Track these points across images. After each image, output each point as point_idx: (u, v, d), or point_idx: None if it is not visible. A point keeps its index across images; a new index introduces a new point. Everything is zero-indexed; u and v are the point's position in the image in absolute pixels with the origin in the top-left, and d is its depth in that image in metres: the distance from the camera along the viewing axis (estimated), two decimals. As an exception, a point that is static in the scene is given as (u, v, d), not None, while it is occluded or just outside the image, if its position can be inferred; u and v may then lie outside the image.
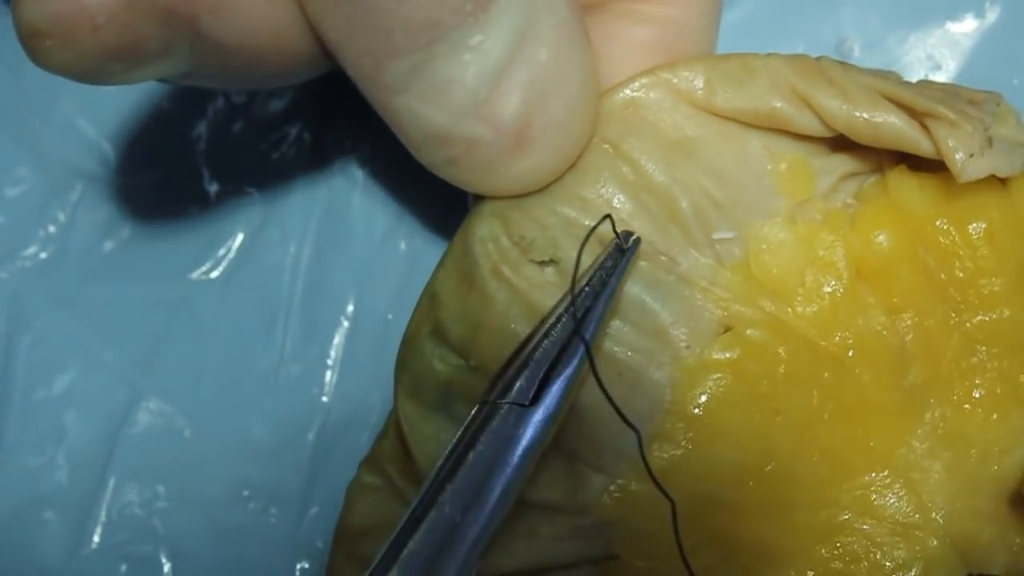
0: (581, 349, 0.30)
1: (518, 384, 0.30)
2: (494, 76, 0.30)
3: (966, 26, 0.44)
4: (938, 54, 0.44)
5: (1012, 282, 0.34)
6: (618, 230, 0.32)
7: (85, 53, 0.27)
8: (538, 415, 0.30)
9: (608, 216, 0.32)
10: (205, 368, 0.44)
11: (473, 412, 0.31)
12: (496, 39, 0.30)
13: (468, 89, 0.30)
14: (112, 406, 0.44)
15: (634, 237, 0.32)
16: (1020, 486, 0.34)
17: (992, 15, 0.44)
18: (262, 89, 0.45)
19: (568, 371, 0.30)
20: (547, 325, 0.31)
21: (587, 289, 0.31)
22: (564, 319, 0.31)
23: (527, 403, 0.30)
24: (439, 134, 0.31)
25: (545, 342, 0.31)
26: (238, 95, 0.45)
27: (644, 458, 0.30)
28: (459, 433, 0.31)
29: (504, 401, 0.30)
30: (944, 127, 0.32)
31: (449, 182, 0.33)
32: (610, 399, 0.30)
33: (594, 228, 0.32)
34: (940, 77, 0.44)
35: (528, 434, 0.30)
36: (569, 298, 0.31)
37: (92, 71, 0.28)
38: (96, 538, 0.43)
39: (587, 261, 0.32)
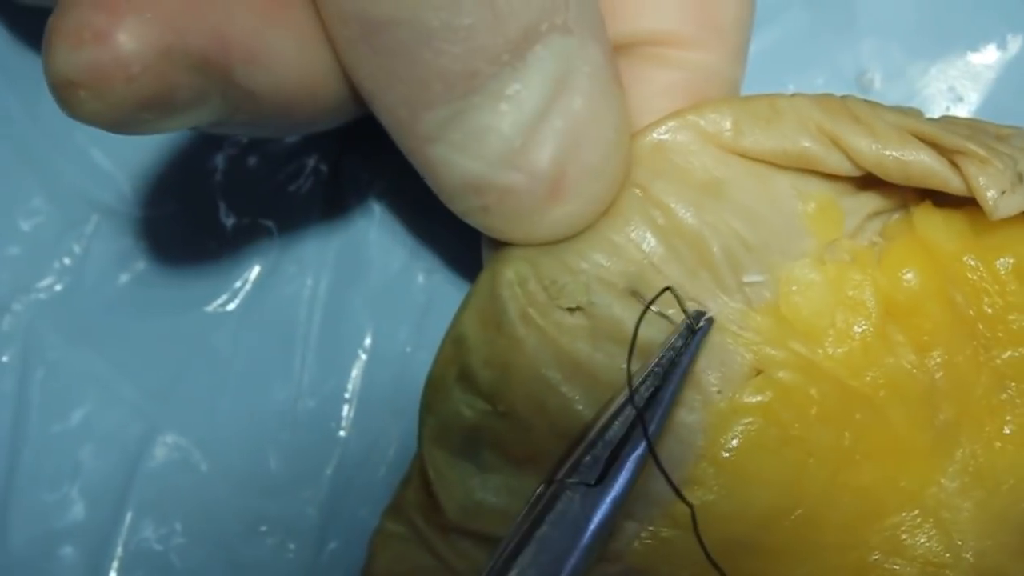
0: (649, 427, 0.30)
1: (584, 463, 0.30)
2: (530, 125, 0.30)
3: (988, 57, 0.44)
4: (960, 86, 0.44)
5: (1041, 317, 0.34)
6: (655, 282, 0.32)
7: (118, 103, 0.27)
8: (606, 496, 0.30)
9: (668, 288, 0.32)
10: (222, 401, 0.44)
11: (539, 491, 0.31)
12: (532, 88, 0.30)
13: (504, 138, 0.30)
14: (128, 440, 0.44)
15: (707, 316, 0.32)
16: (1051, 523, 0.34)
17: (1014, 46, 0.44)
18: (292, 136, 0.44)
19: (637, 452, 0.30)
20: (616, 404, 0.31)
21: (657, 369, 0.31)
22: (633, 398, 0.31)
23: (593, 483, 0.30)
24: (473, 183, 0.31)
25: (615, 422, 0.30)
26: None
27: (697, 533, 0.30)
28: (524, 511, 0.30)
29: (571, 480, 0.30)
30: (974, 164, 0.32)
31: (480, 230, 0.33)
32: (671, 482, 0.30)
33: (651, 302, 0.31)
34: (962, 109, 0.44)
35: (596, 515, 0.30)
36: (638, 377, 0.31)
37: (124, 121, 0.27)
38: (113, 574, 0.43)
39: (623, 316, 0.32)
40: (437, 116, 0.30)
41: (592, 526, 0.29)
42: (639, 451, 0.30)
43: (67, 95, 0.27)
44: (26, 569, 0.43)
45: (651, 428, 0.30)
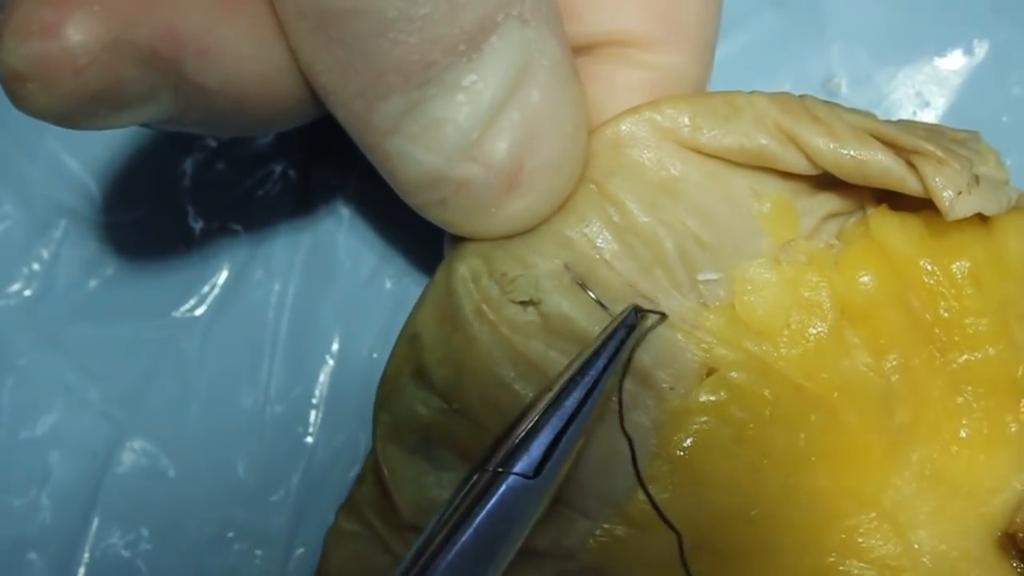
0: (585, 421, 0.30)
1: (523, 455, 0.30)
2: (487, 117, 0.30)
3: (954, 63, 0.44)
4: (927, 91, 0.44)
5: (996, 321, 0.34)
6: (607, 279, 0.32)
7: (67, 96, 0.27)
8: (541, 488, 0.29)
9: (635, 306, 0.32)
10: (189, 407, 0.44)
11: (475, 478, 0.30)
12: (489, 80, 0.30)
13: (460, 130, 0.30)
14: (96, 446, 0.43)
15: (637, 310, 0.32)
16: (1007, 527, 0.34)
17: (980, 52, 0.44)
18: (247, 136, 0.44)
19: (572, 444, 0.30)
20: (552, 393, 0.30)
21: (597, 361, 0.31)
22: (573, 390, 0.30)
23: (532, 475, 0.29)
24: (430, 175, 0.31)
25: (556, 413, 0.30)
26: (223, 132, 0.45)
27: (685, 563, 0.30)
28: (458, 499, 0.30)
29: (511, 471, 0.29)
30: (931, 165, 0.32)
31: (438, 225, 0.33)
32: (654, 503, 0.30)
33: (620, 316, 0.32)
34: (928, 114, 0.44)
35: (530, 508, 0.29)
36: (575, 367, 0.31)
37: (74, 115, 0.27)
38: (80, 580, 0.43)
39: (572, 314, 0.32)
40: (394, 108, 0.30)
41: (526, 519, 0.29)
42: (574, 443, 0.30)
43: (16, 88, 0.27)
44: (-8, 574, 0.43)
45: (583, 413, 0.30)
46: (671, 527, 0.30)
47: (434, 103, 0.30)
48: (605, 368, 0.31)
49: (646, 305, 0.32)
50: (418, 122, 0.30)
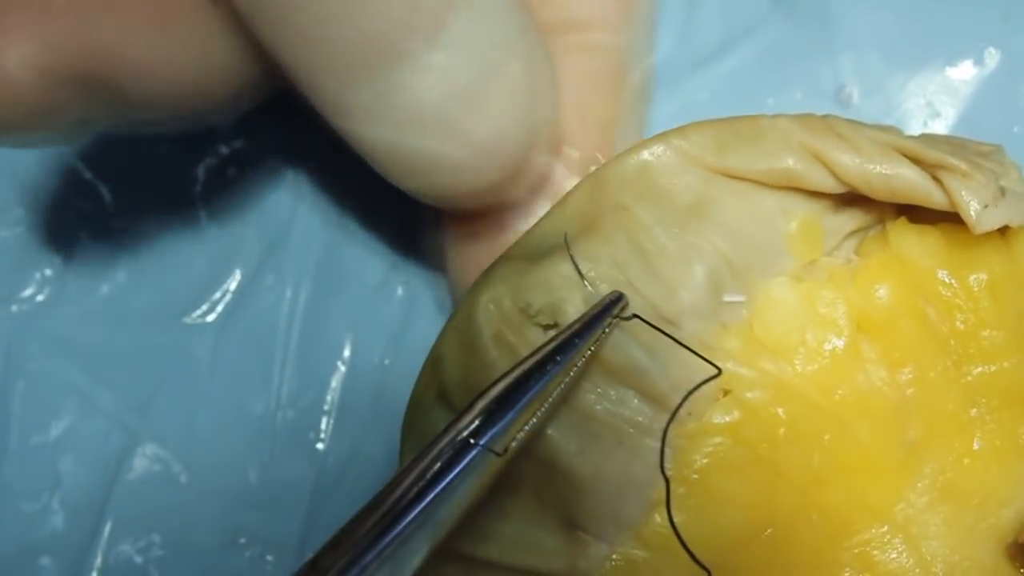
0: (555, 402, 0.30)
1: (498, 431, 0.29)
2: (462, 92, 0.30)
3: (966, 73, 0.44)
4: (937, 101, 0.44)
5: (1012, 334, 0.34)
6: (632, 302, 0.32)
7: (8, 122, 0.27)
8: (502, 464, 0.29)
9: (620, 294, 0.32)
10: (201, 413, 0.44)
11: (450, 439, 0.29)
12: (456, 55, 0.30)
13: (435, 107, 0.30)
14: (108, 451, 0.44)
15: (621, 298, 0.32)
16: (1018, 537, 0.34)
17: (992, 62, 0.44)
18: (201, 124, 0.44)
19: (535, 423, 0.30)
20: (523, 369, 0.30)
21: (577, 343, 0.30)
22: (550, 369, 0.30)
23: (502, 452, 0.29)
24: (411, 156, 0.31)
25: (530, 391, 0.29)
26: (234, 139, 0.45)
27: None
28: (430, 455, 0.28)
29: (484, 446, 0.28)
30: (957, 178, 0.32)
31: (415, 197, 0.34)
32: (682, 542, 0.30)
33: (607, 307, 0.31)
34: (939, 124, 0.44)
35: (485, 482, 0.29)
36: (550, 346, 0.30)
37: (11, 139, 0.28)
38: (92, 585, 0.43)
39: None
40: (364, 93, 0.30)
41: (478, 494, 0.29)
42: (536, 423, 0.30)
43: None
44: (5, 580, 0.43)
45: (555, 395, 0.30)
46: (701, 564, 0.30)
47: (404, 85, 0.30)
48: (583, 351, 0.30)
49: (668, 330, 0.32)
50: (390, 105, 0.30)
